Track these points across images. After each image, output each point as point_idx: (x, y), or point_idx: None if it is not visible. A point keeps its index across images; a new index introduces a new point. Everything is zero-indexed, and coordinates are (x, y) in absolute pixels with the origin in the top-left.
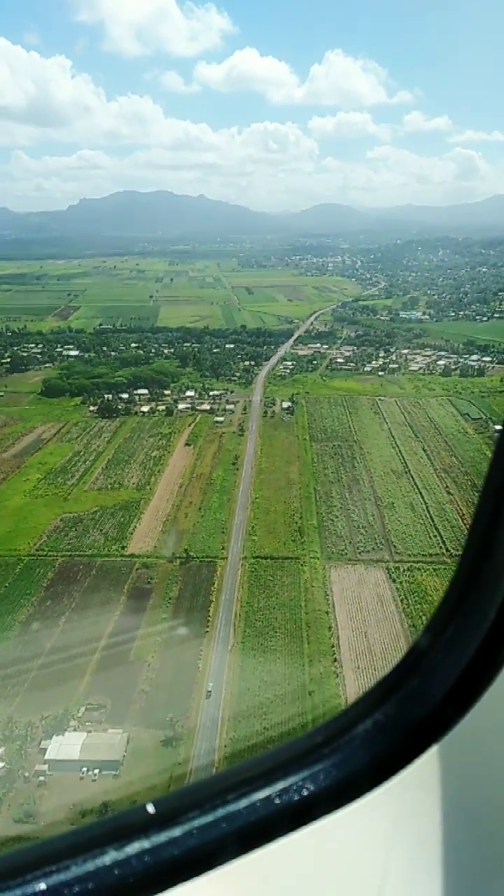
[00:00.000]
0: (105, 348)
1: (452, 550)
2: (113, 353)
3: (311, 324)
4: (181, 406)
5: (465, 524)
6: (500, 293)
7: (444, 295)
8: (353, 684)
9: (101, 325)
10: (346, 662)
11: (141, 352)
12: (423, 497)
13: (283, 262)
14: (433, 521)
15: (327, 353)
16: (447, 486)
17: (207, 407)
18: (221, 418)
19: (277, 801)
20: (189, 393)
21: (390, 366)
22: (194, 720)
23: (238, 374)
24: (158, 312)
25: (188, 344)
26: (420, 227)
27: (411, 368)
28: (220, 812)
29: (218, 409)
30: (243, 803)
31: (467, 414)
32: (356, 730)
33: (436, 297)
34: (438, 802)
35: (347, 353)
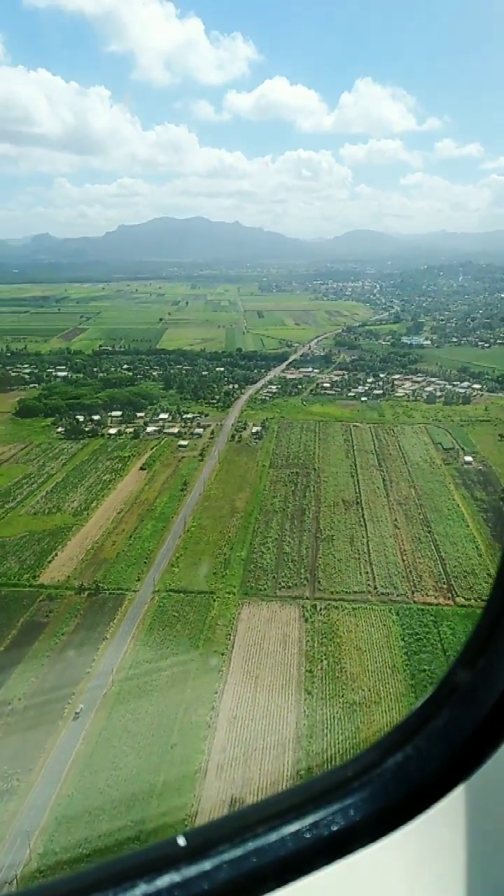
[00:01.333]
0: (96, 369)
1: (380, 588)
2: (101, 375)
3: (310, 348)
4: (150, 429)
5: (402, 560)
6: None
7: (451, 320)
8: (224, 736)
9: (101, 346)
10: (224, 712)
11: (129, 373)
12: (366, 530)
13: (303, 287)
14: (369, 556)
15: (315, 378)
16: (396, 519)
17: (176, 430)
18: (186, 442)
19: (308, 835)
20: (162, 416)
21: (374, 391)
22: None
23: (219, 398)
24: (163, 335)
25: (179, 366)
26: (451, 253)
27: (396, 394)
28: (251, 845)
29: (186, 433)
30: (273, 837)
31: (440, 443)
32: (387, 763)
33: (443, 322)
34: (466, 839)
35: (336, 378)
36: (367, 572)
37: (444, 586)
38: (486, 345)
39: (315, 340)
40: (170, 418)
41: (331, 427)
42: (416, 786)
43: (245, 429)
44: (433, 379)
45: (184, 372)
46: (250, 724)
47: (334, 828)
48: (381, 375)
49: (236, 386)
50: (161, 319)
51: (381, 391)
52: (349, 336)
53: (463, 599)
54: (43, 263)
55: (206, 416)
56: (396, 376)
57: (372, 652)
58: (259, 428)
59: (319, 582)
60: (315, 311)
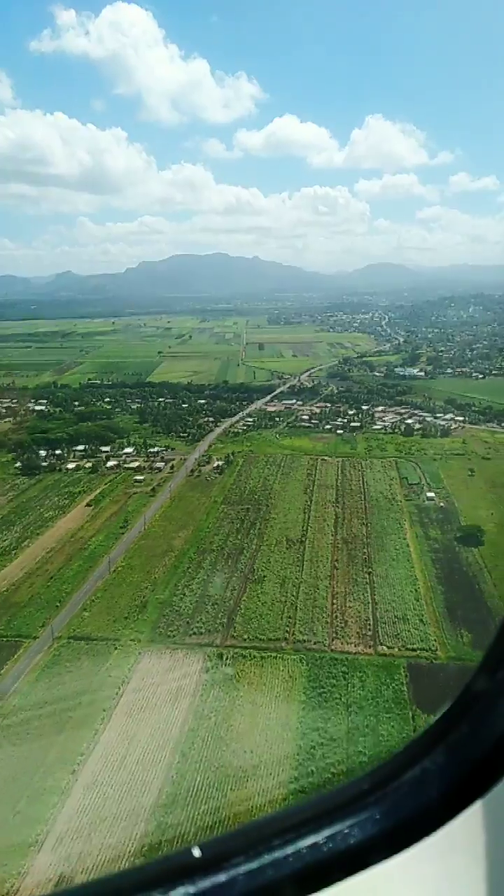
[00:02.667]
0: (76, 403)
1: (298, 635)
2: (79, 409)
3: (300, 379)
4: (111, 463)
5: (331, 604)
6: None
7: (451, 351)
8: (76, 803)
9: (90, 380)
10: (85, 775)
11: (108, 407)
12: (302, 570)
13: (312, 319)
14: (296, 599)
15: (296, 410)
16: (336, 560)
17: (136, 465)
18: (142, 477)
19: (324, 848)
20: (127, 450)
21: (351, 424)
22: None
23: (191, 431)
24: (157, 368)
25: (161, 399)
26: (470, 284)
27: (374, 427)
28: (266, 858)
29: (146, 468)
30: (290, 850)
31: (406, 478)
32: (405, 777)
33: (441, 352)
34: (486, 854)
35: (316, 410)
36: (289, 617)
37: (369, 633)
38: (480, 375)
39: (307, 372)
40: (134, 452)
41: (298, 461)
42: (434, 800)
43: (208, 463)
44: (417, 411)
45: (163, 405)
46: (109, 790)
47: (351, 841)
48: (364, 407)
49: (212, 419)
50: (160, 352)
51: (358, 423)
52: (344, 367)
53: (385, 648)
54: (62, 300)
55: (173, 449)
56: (379, 408)
57: (267, 708)
58: (221, 462)
59: (235, 628)
60: (317, 343)
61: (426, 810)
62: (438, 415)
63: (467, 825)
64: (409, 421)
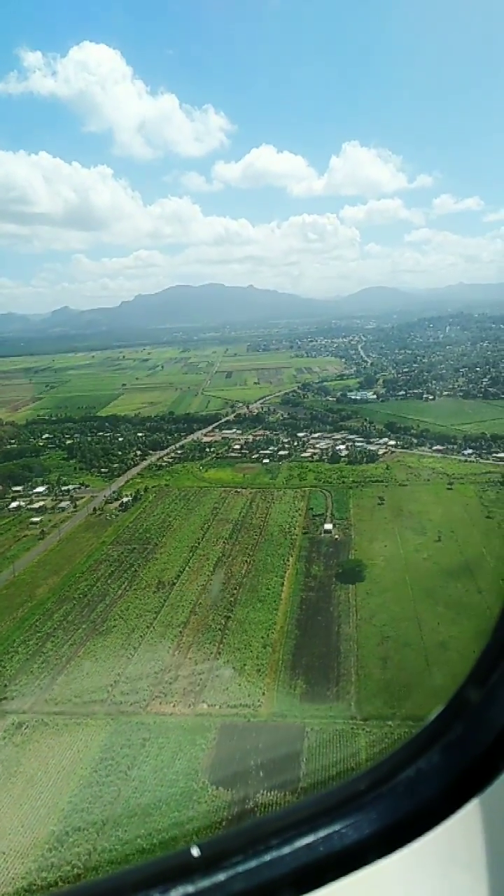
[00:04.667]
0: (12, 441)
1: (117, 695)
2: (13, 446)
3: (249, 408)
4: (13, 504)
5: (172, 655)
6: (461, 370)
7: (412, 373)
8: None
9: (38, 416)
10: None
11: (41, 444)
12: (157, 617)
13: (291, 345)
14: (135, 651)
15: (232, 440)
16: (199, 603)
17: (40, 505)
18: (38, 519)
19: (321, 847)
20: (38, 489)
21: (279, 453)
22: None
23: (114, 466)
24: (113, 401)
25: (100, 434)
26: (460, 304)
27: (303, 455)
28: (264, 858)
29: (50, 508)
30: (287, 849)
31: (312, 508)
32: (399, 778)
33: (405, 373)
34: (483, 853)
35: (251, 439)
36: (118, 674)
37: (196, 690)
38: (431, 397)
39: (261, 400)
40: (46, 491)
41: (209, 494)
42: (428, 800)
43: (116, 500)
44: (354, 436)
45: (96, 440)
46: None
47: (347, 841)
48: (301, 435)
49: (139, 453)
50: (124, 385)
51: (286, 452)
52: (300, 393)
53: (206, 706)
54: (54, 336)
55: (87, 486)
56: (316, 434)
57: (37, 786)
58: (129, 499)
59: (53, 689)
60: (286, 369)
61: (421, 810)
62: (373, 439)
63: (465, 823)
64: (340, 447)
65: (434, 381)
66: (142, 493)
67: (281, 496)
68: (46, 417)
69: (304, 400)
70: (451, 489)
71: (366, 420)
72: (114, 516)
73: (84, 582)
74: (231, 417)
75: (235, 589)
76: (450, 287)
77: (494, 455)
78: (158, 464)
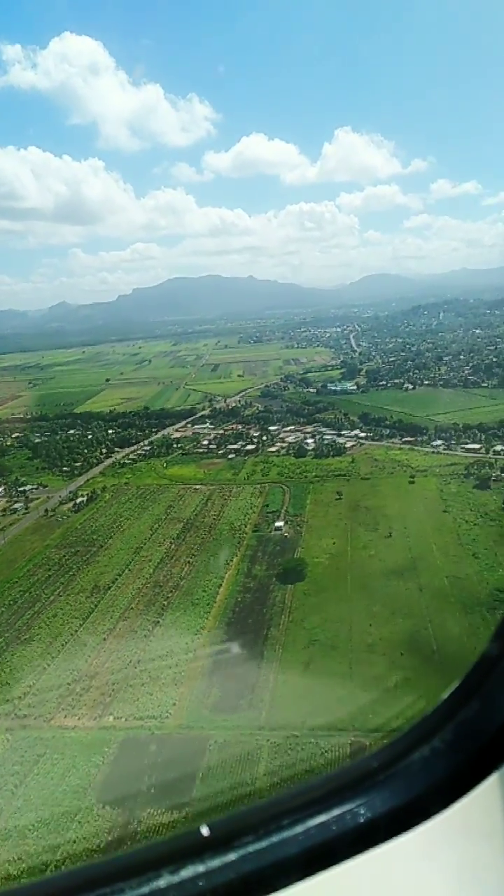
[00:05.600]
0: None
1: (23, 708)
2: None
3: (227, 402)
4: None
5: (88, 665)
6: (444, 358)
7: (391, 362)
8: None
9: (13, 415)
10: None
11: (8, 443)
12: (83, 624)
13: (283, 336)
14: (52, 660)
15: (203, 435)
16: (131, 608)
17: None
18: None
19: (334, 826)
20: None
21: (246, 448)
22: None
23: (77, 465)
24: (93, 397)
25: (72, 431)
26: (461, 290)
27: (270, 449)
28: (276, 837)
29: (2, 510)
30: (299, 829)
31: (267, 505)
32: (413, 756)
33: (384, 364)
34: (498, 831)
35: (221, 434)
36: (30, 685)
37: (106, 701)
38: (411, 387)
39: (242, 393)
40: (2, 492)
41: (167, 492)
42: (443, 778)
43: (72, 500)
44: (326, 429)
45: (64, 438)
46: None
47: (360, 820)
48: (273, 428)
49: (105, 451)
50: (107, 380)
51: (254, 447)
52: (282, 385)
53: (112, 719)
54: (50, 331)
55: (45, 486)
56: (289, 428)
57: None
58: (84, 499)
59: None
60: (274, 361)
61: (437, 787)
62: (344, 432)
63: (483, 799)
64: (309, 441)
65: (416, 371)
66: (98, 492)
67: (239, 493)
68: (21, 416)
69: (285, 392)
70: (413, 482)
71: (341, 412)
72: (65, 517)
73: (17, 588)
74: (207, 412)
75: (171, 592)
76: (453, 272)
77: (463, 446)
78: (123, 461)
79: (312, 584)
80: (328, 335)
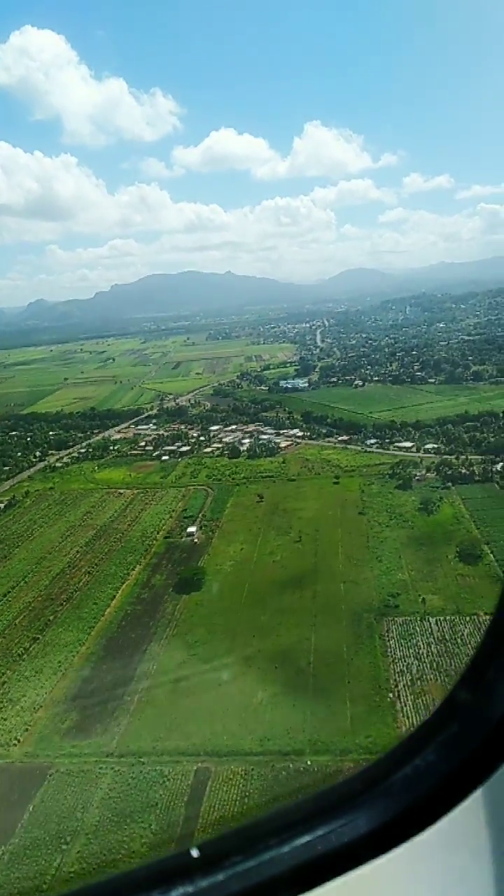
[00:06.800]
0: None
1: None
2: None
3: (177, 400)
4: None
5: None
6: (396, 354)
7: (349, 358)
8: None
9: None
10: None
11: None
12: None
13: (250, 332)
14: None
15: (143, 436)
16: (15, 622)
17: None
18: None
19: (319, 846)
20: None
21: (182, 449)
22: None
23: (5, 469)
24: (47, 397)
25: (14, 433)
26: (437, 283)
27: (205, 450)
28: (264, 857)
29: None
30: (285, 848)
31: (186, 510)
32: (395, 776)
33: (337, 360)
34: (487, 844)
35: (161, 434)
36: None
37: None
38: (361, 383)
39: (195, 391)
40: None
41: (90, 497)
42: (426, 797)
43: None
44: (266, 428)
45: (1, 440)
46: None
47: (345, 839)
48: (214, 428)
49: (40, 453)
50: (66, 380)
51: (189, 448)
52: (236, 383)
53: None
54: (26, 329)
55: None
56: (230, 427)
57: None
58: (2, 505)
59: None
60: (235, 358)
61: (420, 806)
62: (283, 431)
63: (468, 816)
64: (245, 441)
65: (369, 367)
66: (20, 498)
67: (162, 496)
68: None
69: (238, 390)
70: (337, 483)
71: (285, 410)
72: None
73: None
74: (154, 412)
75: (61, 605)
76: (431, 266)
77: (396, 444)
78: (55, 465)
79: (207, 594)
80: (296, 331)
